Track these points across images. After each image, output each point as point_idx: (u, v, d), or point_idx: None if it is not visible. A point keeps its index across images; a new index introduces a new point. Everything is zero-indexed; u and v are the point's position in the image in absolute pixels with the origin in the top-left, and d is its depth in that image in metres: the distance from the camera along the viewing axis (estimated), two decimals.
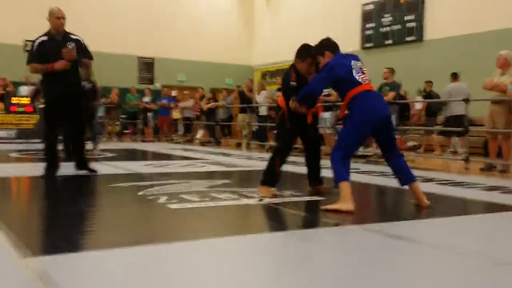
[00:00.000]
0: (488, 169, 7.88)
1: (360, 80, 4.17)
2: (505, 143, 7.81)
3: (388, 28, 16.22)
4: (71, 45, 5.81)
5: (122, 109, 17.11)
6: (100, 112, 13.23)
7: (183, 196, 4.57)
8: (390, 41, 16.16)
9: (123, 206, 4.41)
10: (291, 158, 5.30)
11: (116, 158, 9.11)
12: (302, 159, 5.26)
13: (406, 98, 12.72)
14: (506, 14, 12.83)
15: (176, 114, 17.11)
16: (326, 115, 10.96)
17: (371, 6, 16.79)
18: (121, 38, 19.00)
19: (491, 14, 13.15)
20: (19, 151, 10.37)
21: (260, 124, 13.60)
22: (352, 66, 4.19)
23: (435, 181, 6.23)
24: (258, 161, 8.64)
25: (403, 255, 2.88)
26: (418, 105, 13.01)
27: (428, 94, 12.39)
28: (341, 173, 4.05)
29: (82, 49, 5.93)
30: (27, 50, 6.04)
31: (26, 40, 15.47)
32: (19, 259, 2.54)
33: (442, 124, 11.73)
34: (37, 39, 5.89)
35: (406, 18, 15.59)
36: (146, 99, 17.08)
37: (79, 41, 5.95)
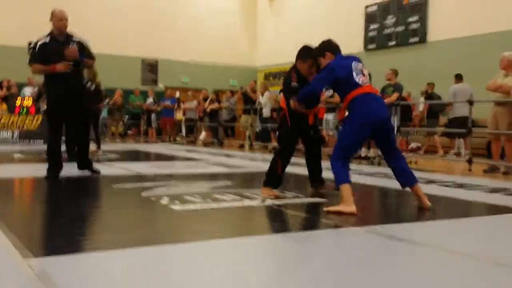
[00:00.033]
0: (491, 170, 7.85)
1: (360, 82, 4.17)
2: (508, 145, 7.79)
3: (391, 30, 16.20)
4: (73, 46, 5.82)
5: (125, 110, 17.15)
6: (104, 113, 13.27)
7: (186, 197, 4.57)
8: (393, 43, 16.14)
9: (125, 207, 4.42)
10: (293, 160, 5.30)
11: (119, 159, 9.12)
12: (304, 160, 5.26)
13: (407, 100, 12.70)
14: (509, 15, 12.80)
15: (179, 115, 17.14)
16: (329, 116, 10.96)
17: (374, 8, 16.77)
18: (125, 40, 19.05)
19: (495, 16, 13.12)
20: (22, 152, 10.39)
21: (263, 125, 13.60)
22: (353, 68, 4.18)
23: (437, 183, 6.21)
24: (261, 162, 8.64)
25: (404, 257, 2.87)
26: (422, 107, 13.00)
27: (429, 96, 12.37)
28: (342, 175, 4.05)
29: (84, 50, 5.94)
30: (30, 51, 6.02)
31: (30, 42, 15.50)
32: (19, 260, 2.54)
33: (445, 125, 11.72)
34: (39, 40, 5.90)
35: (409, 19, 15.57)
36: (150, 100, 17.11)
37: (82, 42, 5.96)
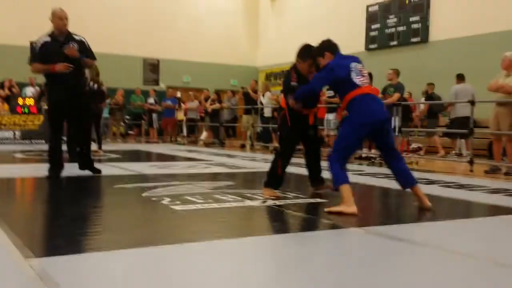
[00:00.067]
0: (492, 171, 7.84)
1: (359, 82, 4.16)
2: (510, 145, 7.78)
3: (393, 29, 16.19)
4: (73, 46, 5.81)
5: (126, 110, 17.15)
6: (105, 113, 13.28)
7: (187, 197, 4.57)
8: (395, 42, 16.13)
9: (126, 207, 4.42)
10: (295, 160, 5.30)
11: (120, 159, 9.13)
12: (303, 161, 5.27)
13: (408, 100, 12.69)
14: (511, 15, 12.78)
15: (180, 115, 17.15)
16: (330, 116, 10.96)
17: (376, 7, 16.76)
18: (127, 40, 19.07)
19: (496, 16, 13.11)
20: (23, 151, 10.40)
21: (264, 125, 13.60)
22: (352, 68, 4.18)
23: (438, 184, 6.21)
24: (262, 162, 8.63)
25: (404, 257, 2.87)
26: (423, 107, 12.99)
27: (429, 96, 12.36)
28: (341, 176, 4.05)
29: (85, 50, 5.93)
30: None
31: (32, 42, 15.53)
32: (20, 260, 2.54)
33: (447, 125, 11.71)
34: (39, 39, 5.90)
35: (411, 19, 15.57)
36: (151, 100, 17.12)
37: (82, 41, 5.95)
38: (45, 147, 6.46)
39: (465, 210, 4.76)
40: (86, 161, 6.30)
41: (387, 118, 4.28)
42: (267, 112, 13.36)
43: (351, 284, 2.32)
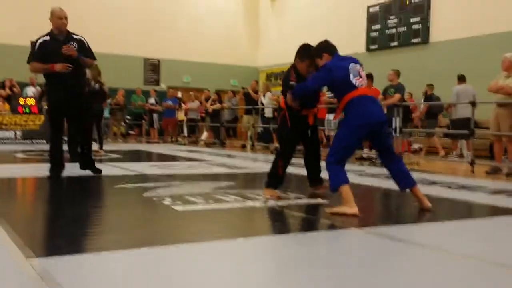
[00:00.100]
0: (493, 172, 7.84)
1: (357, 84, 4.16)
2: (511, 146, 7.78)
3: (393, 30, 16.19)
4: (73, 45, 5.80)
5: (127, 110, 17.16)
6: (106, 113, 13.28)
7: (188, 197, 4.58)
8: (395, 43, 16.13)
9: (127, 207, 4.42)
10: (295, 160, 5.31)
11: (121, 159, 9.14)
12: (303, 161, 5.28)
13: (409, 101, 12.68)
14: (511, 16, 12.81)
15: (181, 116, 17.15)
16: (331, 117, 10.96)
17: (377, 8, 16.77)
18: (127, 40, 19.09)
19: (497, 17, 13.11)
20: (24, 151, 10.41)
21: (265, 125, 13.61)
22: (350, 69, 4.16)
23: (439, 184, 6.21)
24: (263, 163, 8.64)
25: (405, 258, 2.88)
26: (423, 108, 13.00)
27: (429, 97, 12.35)
28: (340, 177, 4.04)
29: (84, 49, 5.92)
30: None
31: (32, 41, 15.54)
32: (22, 260, 2.55)
33: (447, 126, 11.70)
34: (39, 38, 5.89)
35: (411, 20, 15.57)
36: (152, 100, 17.13)
37: (82, 41, 5.93)
38: (46, 147, 6.47)
39: (466, 210, 4.76)
40: (86, 161, 6.30)
41: (385, 120, 4.27)
42: (268, 113, 13.36)
43: (351, 284, 2.32)
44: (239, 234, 3.46)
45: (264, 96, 13.71)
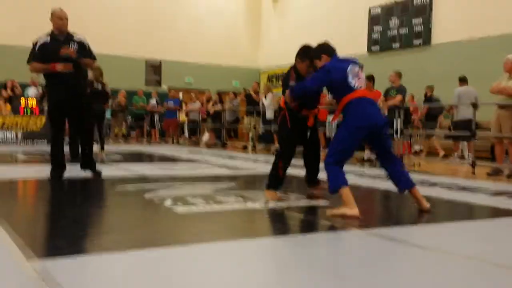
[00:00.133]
0: (495, 173, 7.84)
1: (355, 86, 4.15)
2: None
3: (395, 32, 16.19)
4: (73, 46, 5.80)
5: (128, 111, 17.17)
6: (107, 115, 13.29)
7: (189, 199, 4.58)
8: (397, 45, 16.12)
9: (128, 208, 4.43)
10: (296, 162, 5.31)
11: (122, 160, 9.14)
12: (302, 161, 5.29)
13: (411, 103, 12.68)
14: None
15: (182, 117, 17.16)
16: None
17: (378, 10, 16.76)
18: (129, 41, 19.11)
19: (499, 19, 13.10)
20: (26, 152, 10.42)
21: (266, 127, 13.61)
22: (348, 71, 4.16)
23: (440, 186, 6.21)
24: (264, 164, 8.64)
25: (405, 259, 2.87)
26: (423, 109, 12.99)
27: (428, 99, 12.34)
28: (339, 179, 4.04)
29: (85, 50, 5.91)
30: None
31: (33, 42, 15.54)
32: (23, 261, 2.55)
33: (449, 128, 11.69)
34: (39, 39, 5.89)
35: (413, 21, 15.56)
36: (153, 101, 17.13)
37: (82, 41, 5.93)
38: (47, 148, 6.46)
39: (466, 212, 4.75)
40: (87, 161, 6.28)
41: (383, 122, 4.26)
42: (269, 114, 13.37)
43: (352, 285, 2.32)
44: (239, 235, 3.46)
45: (265, 97, 13.71)
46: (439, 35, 14.85)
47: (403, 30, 15.90)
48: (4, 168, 7.49)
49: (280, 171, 4.82)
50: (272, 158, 5.12)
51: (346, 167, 4.21)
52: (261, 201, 4.58)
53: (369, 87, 9.81)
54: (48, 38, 5.84)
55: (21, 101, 14.00)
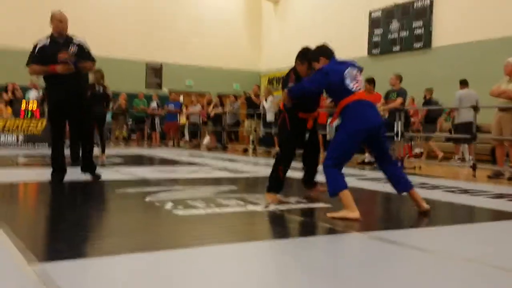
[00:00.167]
0: (495, 176, 7.83)
1: (353, 88, 4.15)
2: None
3: (395, 35, 16.19)
4: (73, 48, 5.80)
5: (129, 114, 17.18)
6: (108, 118, 13.30)
7: (190, 202, 4.58)
8: (397, 48, 16.13)
9: (129, 212, 4.43)
10: (297, 164, 5.31)
11: (123, 163, 9.14)
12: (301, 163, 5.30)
13: (411, 105, 12.67)
14: None
15: (183, 120, 17.17)
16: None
17: (379, 13, 16.78)
18: (129, 44, 19.13)
19: (499, 21, 13.11)
20: (26, 156, 10.42)
21: (266, 130, 13.61)
22: (346, 74, 4.16)
23: (442, 189, 6.20)
24: (264, 167, 8.64)
25: (406, 262, 2.87)
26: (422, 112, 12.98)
27: (427, 102, 12.34)
28: (339, 182, 4.04)
29: (84, 52, 5.90)
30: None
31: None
32: (24, 264, 2.55)
33: (450, 131, 11.70)
34: (39, 42, 5.90)
35: (414, 24, 15.57)
36: (154, 104, 17.15)
37: (81, 44, 5.92)
38: (48, 151, 6.47)
39: (468, 215, 4.75)
40: (87, 164, 6.27)
41: (381, 124, 4.28)
42: (270, 117, 13.37)
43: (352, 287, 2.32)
44: (240, 238, 3.46)
45: (266, 100, 13.72)
46: (439, 38, 14.86)
47: (404, 33, 15.91)
48: (5, 171, 7.49)
49: (280, 173, 4.83)
50: (272, 161, 5.13)
51: (346, 170, 4.22)
52: (262, 204, 4.57)
53: (370, 90, 9.83)
54: (48, 41, 5.84)
55: (22, 104, 14.02)
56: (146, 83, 20.11)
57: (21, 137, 13.66)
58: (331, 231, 3.66)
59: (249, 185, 6.78)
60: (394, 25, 16.23)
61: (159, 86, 20.31)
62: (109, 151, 11.49)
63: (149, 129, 17.40)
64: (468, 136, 8.88)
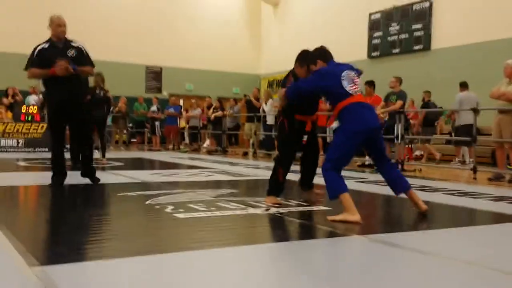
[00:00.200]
0: (496, 179, 7.83)
1: (350, 91, 4.16)
2: None
3: (395, 37, 16.22)
4: (71, 52, 5.80)
5: (129, 118, 17.19)
6: (108, 121, 13.30)
7: (190, 205, 4.58)
8: (397, 50, 16.15)
9: (130, 215, 4.43)
10: (297, 167, 5.31)
11: (123, 167, 9.14)
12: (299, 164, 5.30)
13: (411, 108, 12.68)
14: None
15: (183, 123, 17.18)
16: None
17: (378, 15, 16.80)
18: (129, 48, 19.16)
19: (499, 23, 13.13)
20: (27, 159, 10.43)
21: (267, 133, 13.62)
22: (343, 77, 4.16)
23: (442, 191, 6.20)
24: (265, 170, 8.64)
25: (406, 264, 2.87)
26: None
27: (426, 104, 12.34)
28: (339, 185, 4.04)
29: (83, 57, 5.91)
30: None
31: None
32: (24, 267, 2.55)
33: (450, 133, 11.70)
34: (38, 46, 5.89)
35: (413, 27, 15.59)
36: (154, 108, 17.16)
37: (80, 48, 5.92)
38: (48, 155, 6.47)
39: (468, 217, 4.75)
40: (87, 168, 6.26)
41: (379, 126, 4.30)
42: (270, 120, 13.37)
43: None
44: (241, 241, 3.46)
45: (265, 103, 13.73)
46: (439, 40, 14.88)
47: (403, 36, 15.94)
48: (5, 174, 7.50)
49: (280, 177, 4.83)
50: (272, 164, 5.13)
51: (346, 173, 4.22)
52: (262, 207, 4.57)
53: (370, 92, 9.84)
54: (47, 45, 5.84)
55: (22, 108, 14.02)
56: (146, 87, 20.13)
57: (21, 141, 13.66)
58: (332, 234, 3.65)
59: (249, 188, 6.78)
60: (394, 27, 16.25)
61: (159, 90, 20.33)
62: (109, 154, 11.49)
63: (149, 133, 17.40)
64: (469, 138, 8.88)
